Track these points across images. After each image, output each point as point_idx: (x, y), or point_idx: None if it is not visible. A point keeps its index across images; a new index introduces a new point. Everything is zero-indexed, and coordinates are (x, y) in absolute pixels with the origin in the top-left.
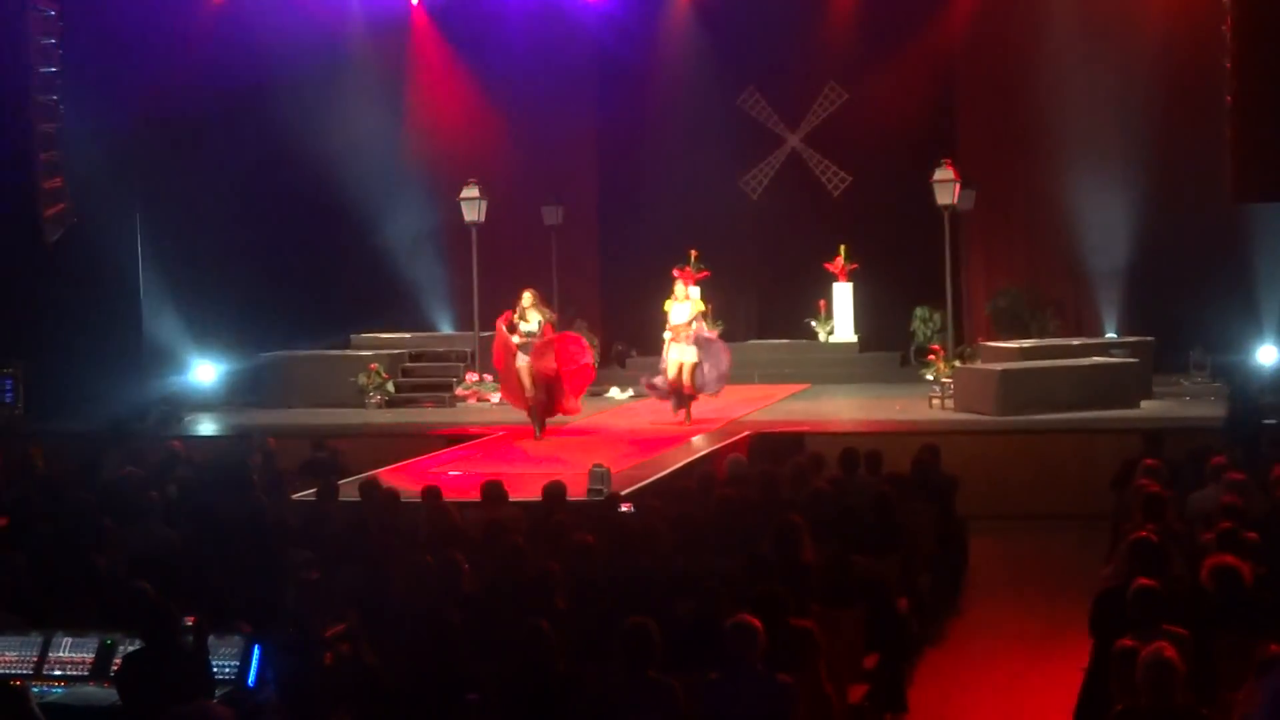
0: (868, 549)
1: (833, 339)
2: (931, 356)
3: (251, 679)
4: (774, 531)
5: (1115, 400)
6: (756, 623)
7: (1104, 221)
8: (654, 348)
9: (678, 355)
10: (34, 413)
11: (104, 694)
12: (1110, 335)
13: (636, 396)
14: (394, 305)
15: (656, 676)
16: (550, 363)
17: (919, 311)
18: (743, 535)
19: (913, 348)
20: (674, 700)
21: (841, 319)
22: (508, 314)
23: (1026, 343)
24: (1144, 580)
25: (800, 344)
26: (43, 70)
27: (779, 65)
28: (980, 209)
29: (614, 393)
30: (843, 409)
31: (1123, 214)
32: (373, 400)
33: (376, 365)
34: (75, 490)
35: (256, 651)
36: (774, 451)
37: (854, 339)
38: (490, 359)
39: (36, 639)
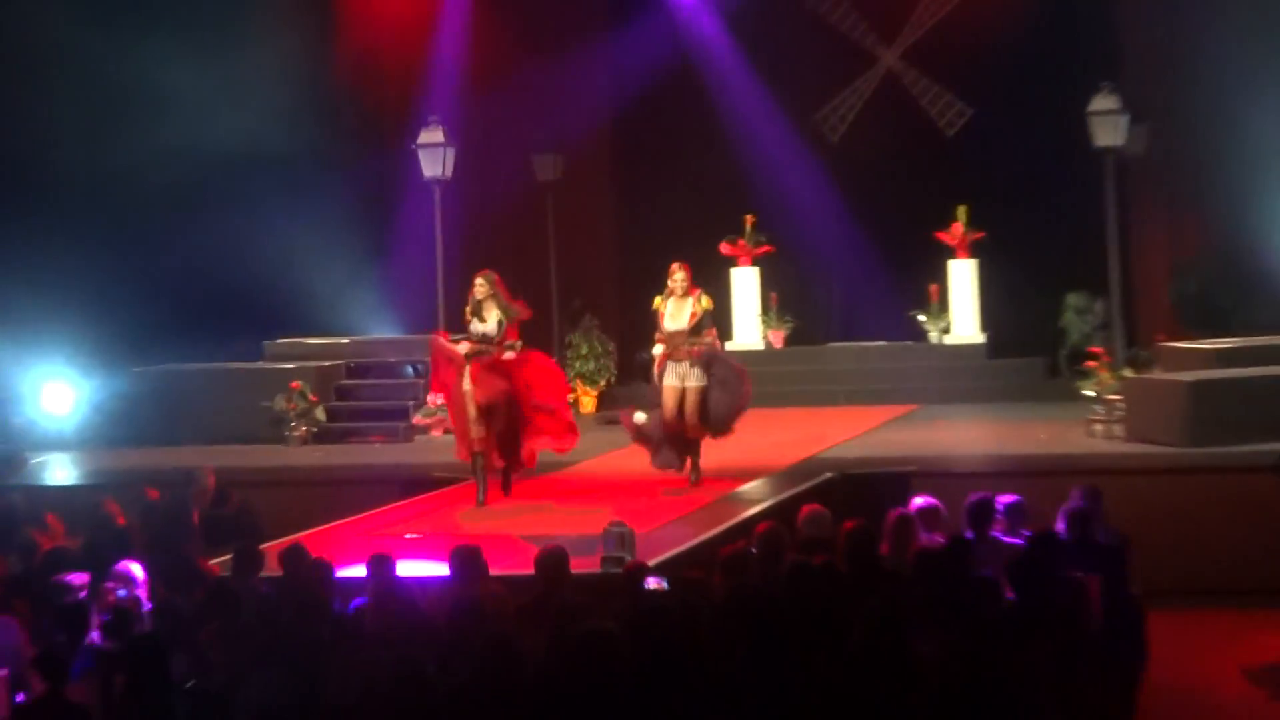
0: (1004, 639)
1: (949, 339)
2: (1091, 363)
3: None
4: (871, 616)
5: None
6: None
7: None
8: None
9: (676, 379)
10: None
11: None
12: None
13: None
14: (324, 299)
15: None
16: (500, 384)
17: (1072, 299)
18: (825, 622)
19: (1063, 351)
20: None
21: (962, 311)
22: (443, 332)
23: (1226, 342)
24: None
25: (903, 348)
26: None
27: None
28: (1158, 153)
29: (639, 418)
30: (965, 439)
31: None
32: (295, 433)
33: (300, 384)
34: None
35: None
36: (869, 501)
37: (980, 339)
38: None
39: None
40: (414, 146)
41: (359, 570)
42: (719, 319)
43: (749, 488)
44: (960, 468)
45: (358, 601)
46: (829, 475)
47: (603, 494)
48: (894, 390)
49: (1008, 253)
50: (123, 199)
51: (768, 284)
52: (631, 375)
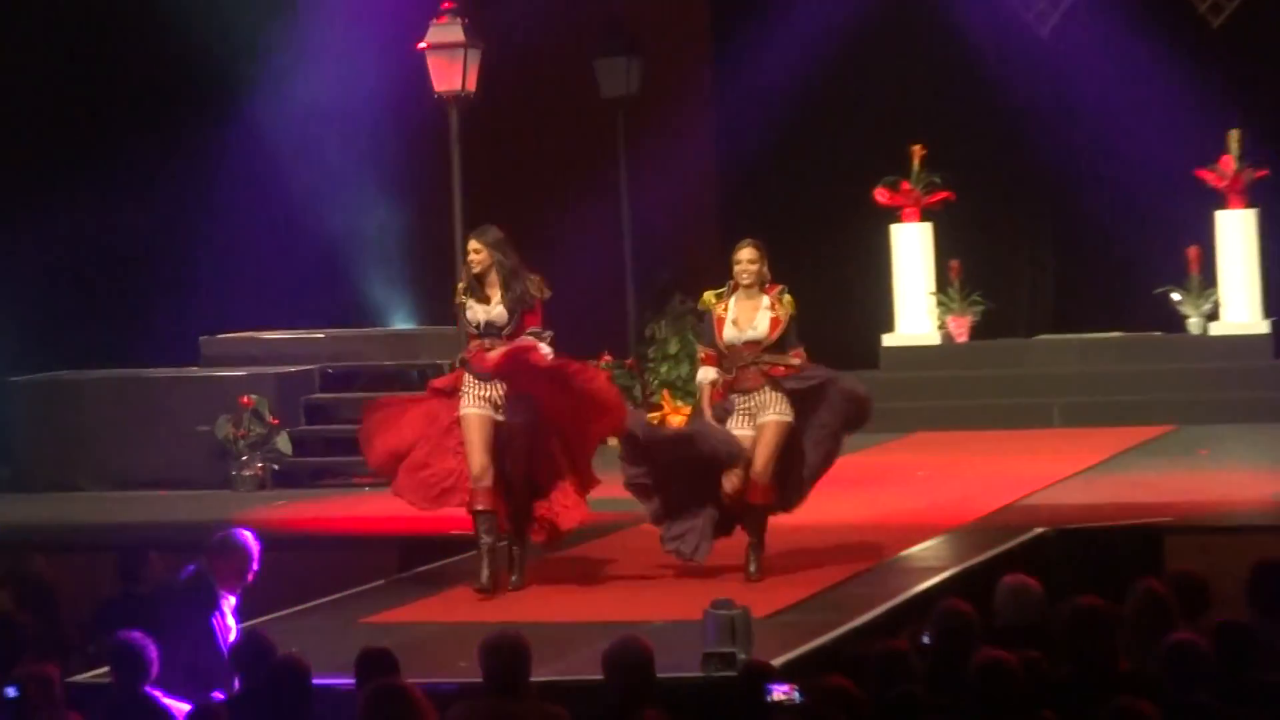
0: None
1: (1216, 329)
2: None
3: None
4: None
5: None
6: None
7: None
8: (836, 344)
9: (746, 423)
10: None
11: None
12: None
13: None
14: (289, 277)
15: None
16: (524, 402)
17: None
18: None
19: None
20: None
21: (1234, 287)
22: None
23: None
24: None
25: (1150, 342)
26: None
27: None
28: None
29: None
30: (1245, 477)
31: None
32: (246, 473)
33: (253, 399)
34: None
35: None
36: (1100, 570)
37: (1262, 328)
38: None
39: None
40: (421, 48)
41: (345, 675)
42: (868, 304)
43: (917, 551)
44: (1238, 519)
45: None
46: (1039, 531)
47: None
48: (1137, 404)
49: None
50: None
51: (945, 247)
52: None
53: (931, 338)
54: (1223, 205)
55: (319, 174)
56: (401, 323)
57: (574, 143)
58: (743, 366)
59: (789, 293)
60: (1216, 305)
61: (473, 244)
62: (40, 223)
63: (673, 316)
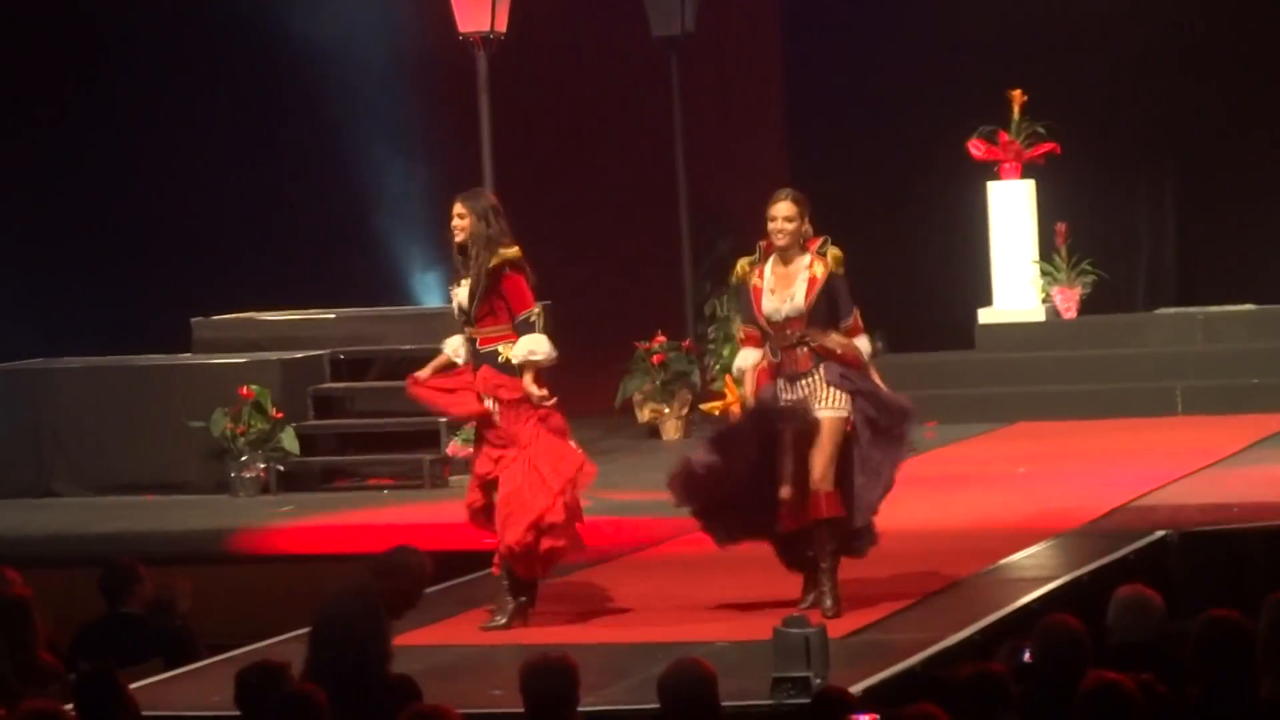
0: None
1: None
2: None
3: None
4: None
5: None
6: None
7: None
8: (924, 322)
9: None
10: None
11: None
12: None
13: None
14: (293, 249)
15: None
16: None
17: None
18: None
19: None
20: None
21: None
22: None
23: None
24: None
25: None
26: None
27: None
28: None
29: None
30: None
31: None
32: (247, 474)
33: (254, 391)
34: None
35: None
36: (1232, 580)
37: None
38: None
39: None
40: None
41: None
42: (960, 275)
43: (1017, 559)
44: None
45: None
46: (1160, 534)
47: (749, 569)
48: (1273, 389)
49: None
50: None
51: (1050, 208)
52: None
53: (1035, 313)
54: None
55: (326, 128)
56: (424, 300)
57: (620, 89)
58: (787, 347)
59: (834, 243)
60: None
61: (457, 208)
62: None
63: (734, 291)
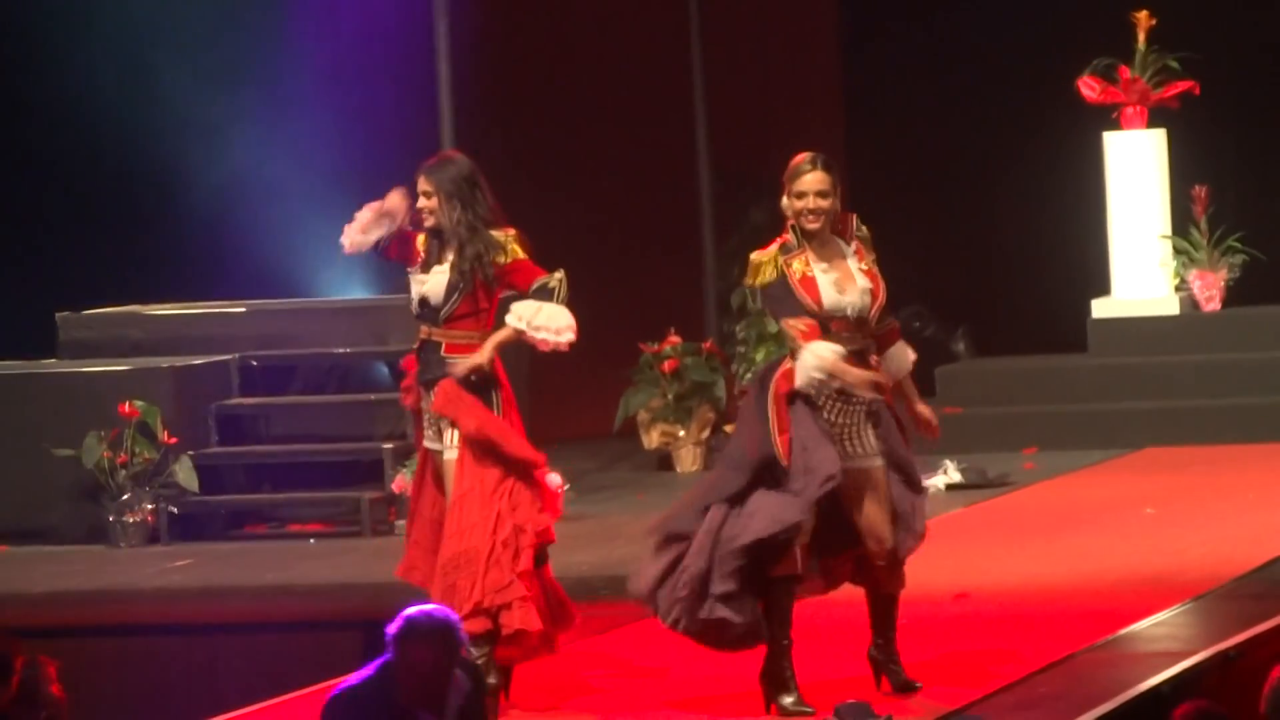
0: None
1: None
2: None
3: None
4: None
5: None
6: None
7: None
8: (1022, 316)
9: (860, 446)
10: None
11: None
12: None
13: (970, 480)
14: (185, 228)
15: None
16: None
17: None
18: None
19: None
20: None
21: None
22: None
23: None
24: None
25: None
26: None
27: None
28: None
29: (937, 481)
30: None
31: None
32: (129, 520)
33: (138, 408)
34: None
35: None
36: None
37: None
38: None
39: None
40: None
41: None
42: (1068, 255)
43: (1144, 627)
44: None
45: None
46: None
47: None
48: None
49: None
50: None
51: (1186, 166)
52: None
53: (1167, 304)
54: None
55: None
56: (357, 291)
57: (627, 24)
58: (852, 354)
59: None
60: None
61: (422, 184)
62: None
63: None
